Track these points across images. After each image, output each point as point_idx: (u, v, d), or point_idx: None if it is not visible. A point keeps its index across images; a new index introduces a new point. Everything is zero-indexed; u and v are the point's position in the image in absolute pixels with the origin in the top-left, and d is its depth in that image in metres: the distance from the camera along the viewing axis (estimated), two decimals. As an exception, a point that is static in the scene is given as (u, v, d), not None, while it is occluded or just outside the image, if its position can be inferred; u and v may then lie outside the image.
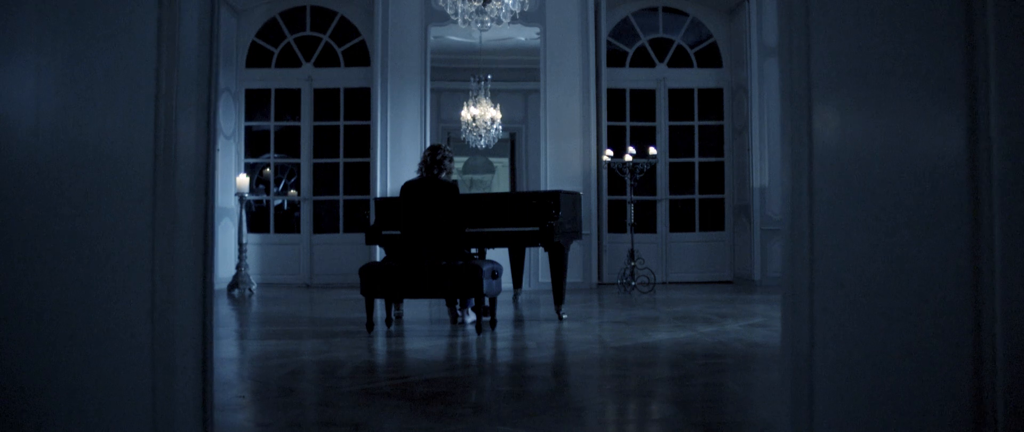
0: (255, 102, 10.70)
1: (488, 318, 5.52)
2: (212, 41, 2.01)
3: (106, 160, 1.56)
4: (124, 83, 1.59)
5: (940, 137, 1.36)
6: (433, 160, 5.50)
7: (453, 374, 3.78)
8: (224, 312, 7.34)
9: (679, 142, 10.82)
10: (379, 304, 6.79)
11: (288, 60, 10.63)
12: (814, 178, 1.59)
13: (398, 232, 6.16)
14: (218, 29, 2.03)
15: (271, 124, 10.70)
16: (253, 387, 3.52)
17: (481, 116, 10.75)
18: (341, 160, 10.55)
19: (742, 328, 5.40)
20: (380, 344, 4.86)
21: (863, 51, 1.54)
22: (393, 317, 5.91)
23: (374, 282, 5.38)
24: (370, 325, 5.34)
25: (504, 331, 5.46)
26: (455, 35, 10.91)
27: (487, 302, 5.46)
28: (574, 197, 6.46)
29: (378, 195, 9.71)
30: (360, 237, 9.28)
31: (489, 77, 10.84)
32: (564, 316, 6.09)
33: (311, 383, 3.58)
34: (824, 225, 1.58)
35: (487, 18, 7.11)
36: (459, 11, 7.24)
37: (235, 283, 8.97)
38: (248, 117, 10.66)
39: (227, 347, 4.95)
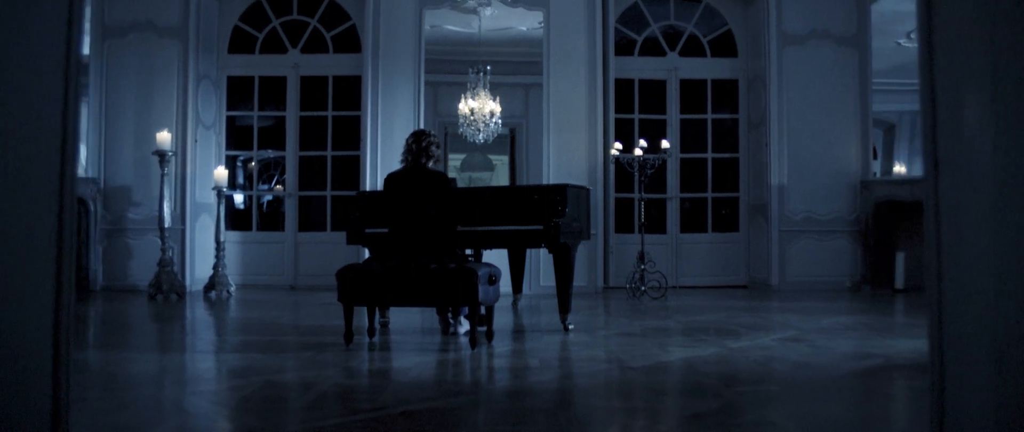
0: (238, 90, 9.98)
1: (484, 329, 4.82)
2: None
3: None
4: None
5: None
6: (418, 147, 4.80)
7: (440, 404, 3.10)
8: (197, 317, 6.66)
9: (691, 136, 10.12)
10: (362, 310, 6.09)
11: (273, 46, 9.92)
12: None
13: (383, 230, 5.47)
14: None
15: (254, 114, 9.98)
16: (190, 422, 2.84)
17: (480, 109, 10.07)
18: (329, 153, 9.84)
19: (776, 343, 4.72)
20: (358, 361, 4.17)
21: None
22: (377, 326, 5.22)
23: (353, 288, 4.68)
24: (349, 337, 4.64)
25: (502, 345, 4.78)
26: (452, 24, 10.22)
27: (483, 311, 4.76)
28: (582, 192, 5.74)
29: (366, 189, 9.00)
30: (348, 236, 8.56)
31: (488, 68, 10.16)
32: (570, 326, 5.40)
33: (264, 416, 2.90)
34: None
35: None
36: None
37: (212, 285, 8.29)
38: (230, 107, 9.95)
39: (182, 361, 4.26)
